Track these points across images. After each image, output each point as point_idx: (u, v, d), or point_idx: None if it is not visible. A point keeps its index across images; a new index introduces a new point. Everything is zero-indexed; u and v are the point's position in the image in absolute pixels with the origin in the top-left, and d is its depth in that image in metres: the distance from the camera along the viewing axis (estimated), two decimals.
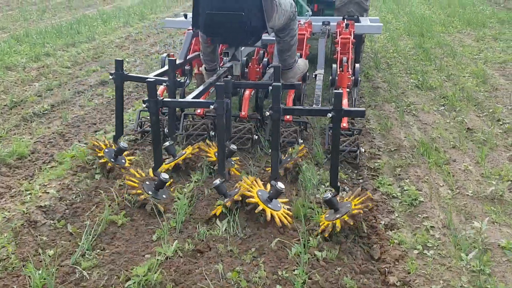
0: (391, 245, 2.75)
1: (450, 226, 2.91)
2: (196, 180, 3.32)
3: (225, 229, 2.74)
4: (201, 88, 3.41)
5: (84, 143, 4.00)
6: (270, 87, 3.42)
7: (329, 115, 2.64)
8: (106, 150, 3.42)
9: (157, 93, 2.93)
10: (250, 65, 4.47)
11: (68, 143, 4.07)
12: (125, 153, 3.52)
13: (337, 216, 2.67)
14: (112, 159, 3.37)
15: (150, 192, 2.96)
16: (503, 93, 5.46)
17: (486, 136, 4.22)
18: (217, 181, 2.80)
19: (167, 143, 3.29)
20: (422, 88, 5.76)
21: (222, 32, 3.44)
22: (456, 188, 3.38)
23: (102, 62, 6.83)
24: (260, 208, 2.71)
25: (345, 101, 3.88)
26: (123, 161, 3.45)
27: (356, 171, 3.70)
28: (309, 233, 2.76)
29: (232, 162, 3.46)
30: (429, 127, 4.55)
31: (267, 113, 2.76)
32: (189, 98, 3.18)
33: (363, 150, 3.85)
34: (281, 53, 3.93)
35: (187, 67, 4.36)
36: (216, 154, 3.26)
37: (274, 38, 4.10)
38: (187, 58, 4.42)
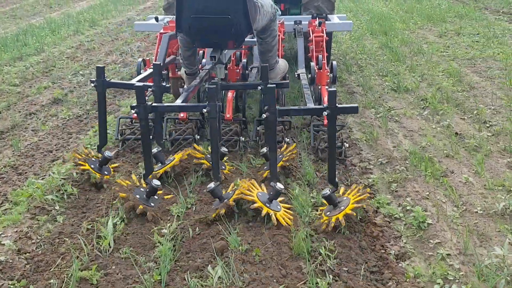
0: (407, 279, 2.45)
1: (467, 252, 2.64)
2: (179, 214, 2.92)
3: (219, 278, 2.36)
4: (186, 92, 3.38)
5: (41, 178, 3.51)
6: (259, 87, 3.48)
7: (325, 113, 2.67)
8: (93, 159, 3.37)
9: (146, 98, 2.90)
10: (229, 66, 4.42)
11: (23, 177, 3.56)
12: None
13: (338, 211, 2.76)
14: (96, 170, 3.31)
15: (141, 201, 2.90)
16: (481, 92, 5.31)
17: (477, 142, 4.01)
18: (212, 185, 2.75)
19: (155, 150, 3.21)
20: (399, 91, 5.54)
21: (207, 36, 3.40)
22: (462, 205, 3.13)
23: (54, 77, 6.24)
24: (264, 212, 2.71)
25: (326, 98, 3.77)
26: (105, 172, 3.36)
27: (343, 167, 3.72)
28: (317, 273, 2.42)
29: (223, 166, 3.43)
30: (416, 134, 4.30)
31: (264, 115, 2.71)
32: (178, 102, 3.14)
33: (347, 145, 3.91)
34: (262, 54, 3.91)
35: (164, 72, 4.28)
36: (206, 156, 3.36)
37: (253, 40, 4.16)
38: (165, 62, 4.29)
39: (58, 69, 6.63)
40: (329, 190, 2.79)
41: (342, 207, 2.78)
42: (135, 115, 3.86)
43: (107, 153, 3.32)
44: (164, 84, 3.50)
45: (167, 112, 4.09)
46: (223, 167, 3.43)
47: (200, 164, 3.46)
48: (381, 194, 3.32)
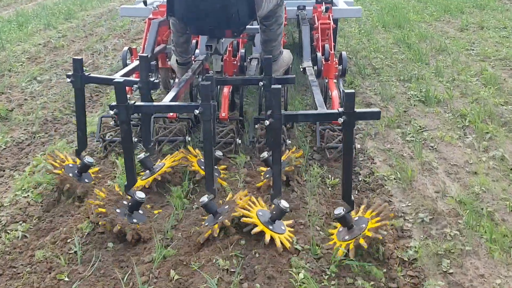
0: None
1: None
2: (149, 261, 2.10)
3: None
4: (176, 87, 3.00)
5: None
6: (261, 83, 3.17)
7: (341, 120, 2.25)
8: (70, 165, 3.03)
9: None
10: (225, 57, 3.96)
11: None
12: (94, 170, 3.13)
13: (351, 235, 2.37)
14: (75, 177, 2.96)
15: (123, 216, 2.54)
16: None
17: None
18: (205, 198, 2.44)
19: (142, 155, 2.92)
20: (428, 103, 4.46)
21: (204, 22, 3.14)
22: None
23: (4, 84, 5.05)
24: (268, 237, 2.33)
25: (334, 93, 3.60)
26: (86, 180, 3.02)
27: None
28: None
29: (217, 171, 3.05)
30: (463, 171, 3.23)
31: (267, 122, 2.30)
32: (166, 100, 2.75)
33: (358, 146, 3.52)
34: (266, 43, 3.53)
35: (153, 63, 3.72)
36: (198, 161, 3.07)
37: (254, 27, 3.80)
38: (155, 51, 3.83)
39: (14, 74, 5.52)
40: (343, 210, 2.38)
41: (357, 231, 2.38)
42: (170, 113, 3.53)
43: (88, 159, 2.98)
44: (153, 79, 2.99)
45: (176, 112, 3.57)
46: (217, 174, 3.05)
47: (194, 171, 3.06)
48: (428, 278, 2.26)
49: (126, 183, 2.54)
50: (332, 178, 3.17)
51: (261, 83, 3.18)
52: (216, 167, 3.01)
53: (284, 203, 2.37)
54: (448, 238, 2.55)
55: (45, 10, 9.55)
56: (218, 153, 3.06)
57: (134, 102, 2.49)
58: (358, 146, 3.55)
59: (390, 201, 2.93)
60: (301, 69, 3.71)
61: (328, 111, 2.46)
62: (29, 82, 5.18)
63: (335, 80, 3.84)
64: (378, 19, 8.40)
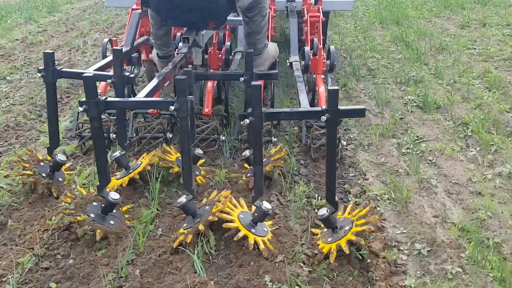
0: None
1: None
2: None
3: None
4: (154, 82, 2.89)
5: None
6: (242, 78, 3.03)
7: (323, 118, 2.16)
8: (42, 164, 2.89)
9: (98, 91, 2.45)
10: (210, 50, 3.84)
11: None
12: (65, 167, 2.96)
13: (337, 236, 2.26)
14: (46, 176, 2.83)
15: (94, 218, 2.42)
16: None
17: None
18: (183, 199, 2.34)
19: (117, 153, 2.79)
20: (427, 109, 4.10)
21: (180, 13, 3.05)
22: None
23: None
24: (251, 240, 2.22)
25: (322, 89, 3.43)
26: (60, 179, 2.90)
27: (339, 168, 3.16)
28: None
29: (197, 169, 2.94)
30: (466, 192, 2.88)
31: (246, 121, 2.19)
32: (140, 96, 2.66)
33: (344, 143, 3.38)
34: (249, 36, 3.38)
35: (134, 55, 3.50)
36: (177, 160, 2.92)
37: (238, 19, 3.66)
38: (135, 44, 3.58)
39: None
40: (327, 211, 2.28)
41: (342, 233, 2.27)
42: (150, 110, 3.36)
43: (60, 157, 2.84)
44: (128, 73, 2.87)
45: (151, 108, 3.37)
46: (197, 173, 2.93)
47: (168, 168, 2.91)
48: None
49: (98, 183, 2.41)
50: (319, 198, 2.81)
51: (242, 79, 3.03)
52: (196, 165, 2.95)
53: (266, 205, 2.28)
54: (449, 276, 2.20)
55: (28, 2, 9.14)
56: (198, 151, 2.91)
57: (106, 98, 2.35)
58: (344, 143, 3.38)
59: (383, 226, 2.57)
60: (288, 64, 3.62)
61: (311, 109, 2.39)
62: None
63: (323, 76, 3.70)
64: (375, 15, 8.02)
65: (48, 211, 2.64)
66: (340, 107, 2.15)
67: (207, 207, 2.41)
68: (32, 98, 4.38)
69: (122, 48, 2.96)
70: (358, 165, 3.25)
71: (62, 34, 6.94)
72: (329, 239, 2.29)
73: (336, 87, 2.19)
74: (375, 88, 4.70)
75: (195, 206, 2.40)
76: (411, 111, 4.09)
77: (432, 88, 4.56)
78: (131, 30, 3.58)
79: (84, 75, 2.35)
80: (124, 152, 2.81)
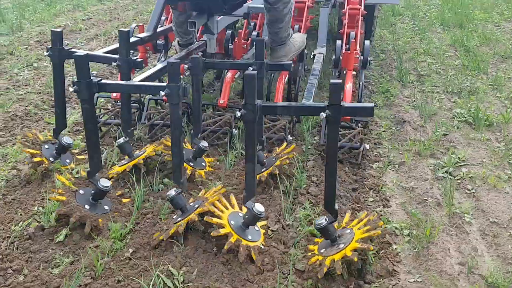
0: None
1: None
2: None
3: None
4: (157, 67, 2.85)
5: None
6: (251, 68, 2.76)
7: (323, 114, 1.92)
8: (46, 146, 2.85)
9: (91, 73, 2.29)
10: (236, 40, 3.72)
11: None
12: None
13: (335, 249, 2.00)
14: (51, 158, 2.80)
15: (86, 206, 2.32)
16: None
17: None
18: (172, 192, 2.18)
19: (121, 140, 2.72)
20: (477, 126, 3.53)
21: None
22: None
23: None
24: (244, 250, 2.01)
25: (348, 86, 3.26)
26: (67, 161, 2.87)
27: (356, 175, 2.89)
28: None
29: (203, 164, 2.85)
30: (504, 234, 2.34)
31: (238, 113, 2.01)
32: (136, 80, 2.55)
33: (367, 147, 3.12)
34: (271, 24, 3.14)
35: (160, 42, 3.62)
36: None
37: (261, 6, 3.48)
38: (158, 30, 3.48)
39: (14, 58, 5.07)
40: (325, 220, 2.07)
41: (342, 245, 2.03)
42: (114, 94, 3.38)
43: (66, 139, 2.78)
44: (134, 57, 2.74)
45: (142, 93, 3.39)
46: (203, 164, 2.83)
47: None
48: None
49: (88, 169, 2.34)
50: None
51: (251, 68, 2.74)
52: (202, 158, 2.83)
53: (258, 207, 2.09)
54: None
55: None
56: (203, 143, 2.76)
57: (100, 80, 2.26)
58: (367, 147, 3.11)
59: (395, 270, 2.11)
60: (311, 56, 3.38)
61: (311, 104, 2.12)
62: (23, 68, 4.70)
63: (354, 72, 3.47)
64: (437, 16, 7.34)
65: (21, 215, 2.40)
66: (344, 103, 1.91)
67: (196, 206, 2.25)
68: (51, 87, 4.21)
69: (128, 31, 2.81)
70: (381, 188, 2.78)
71: (104, 23, 6.84)
72: (329, 251, 2.03)
73: (339, 80, 1.93)
74: (421, 96, 4.16)
75: (185, 200, 2.25)
76: (458, 127, 3.53)
77: (487, 101, 3.96)
78: (154, 16, 3.44)
79: (75, 54, 2.24)
80: (127, 139, 2.73)
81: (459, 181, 2.84)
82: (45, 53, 2.72)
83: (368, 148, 3.12)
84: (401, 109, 3.94)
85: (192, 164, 2.73)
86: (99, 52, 2.94)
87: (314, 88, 2.65)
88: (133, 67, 2.78)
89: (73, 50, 2.74)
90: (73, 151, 2.99)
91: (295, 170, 2.79)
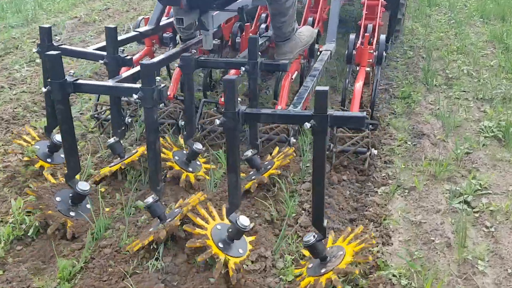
0: None
1: None
2: None
3: None
4: (138, 67, 2.60)
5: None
6: (243, 68, 2.58)
7: (307, 125, 1.76)
8: (37, 147, 2.79)
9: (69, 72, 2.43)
10: (244, 34, 3.58)
11: None
12: None
13: (324, 269, 1.91)
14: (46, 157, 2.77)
15: (61, 209, 2.28)
16: None
17: None
18: (150, 199, 2.10)
19: (112, 140, 2.63)
20: (506, 143, 3.07)
21: None
22: None
23: None
24: (222, 261, 1.90)
25: (358, 85, 3.11)
26: (61, 156, 2.73)
27: (357, 202, 2.55)
28: None
29: (197, 165, 2.75)
30: None
31: (217, 121, 1.91)
32: (111, 81, 2.38)
33: (375, 152, 2.85)
34: (273, 18, 2.99)
35: (166, 34, 3.48)
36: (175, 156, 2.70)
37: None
38: (163, 23, 3.44)
39: (19, 52, 4.91)
40: (313, 237, 1.91)
41: (329, 265, 1.90)
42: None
43: (58, 137, 2.69)
44: (123, 55, 2.64)
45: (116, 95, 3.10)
46: (199, 167, 2.75)
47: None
48: None
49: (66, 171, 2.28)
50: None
51: (243, 68, 2.58)
52: (197, 161, 2.76)
53: (243, 221, 1.96)
54: None
55: None
56: (197, 146, 2.67)
57: (76, 80, 2.16)
58: (375, 152, 2.84)
59: None
60: (318, 52, 3.21)
61: (296, 112, 1.93)
62: (23, 64, 4.52)
63: (367, 68, 3.29)
64: (477, 7, 6.73)
65: None
66: (331, 112, 1.76)
67: (177, 210, 2.18)
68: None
69: (116, 27, 2.67)
70: (384, 220, 2.40)
71: (120, 14, 6.61)
72: (318, 271, 1.92)
73: (326, 88, 1.73)
74: (446, 103, 3.71)
75: (163, 208, 2.16)
76: (484, 144, 3.08)
77: None
78: (157, 9, 3.39)
79: (47, 53, 2.13)
80: (118, 139, 2.65)
81: (477, 214, 2.42)
82: (34, 50, 2.67)
83: (376, 153, 2.85)
84: (421, 119, 3.51)
85: (184, 167, 2.65)
86: (88, 49, 2.86)
87: (307, 92, 2.47)
88: (122, 65, 2.69)
89: (63, 46, 2.73)
90: None
91: (285, 194, 2.46)
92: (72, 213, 2.30)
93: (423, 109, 3.67)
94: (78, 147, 2.84)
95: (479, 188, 2.61)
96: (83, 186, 2.30)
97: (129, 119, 3.14)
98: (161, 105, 3.23)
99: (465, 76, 4.25)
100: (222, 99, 3.04)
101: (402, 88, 4.00)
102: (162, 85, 2.02)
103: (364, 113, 1.79)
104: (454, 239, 2.24)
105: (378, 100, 3.84)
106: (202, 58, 2.80)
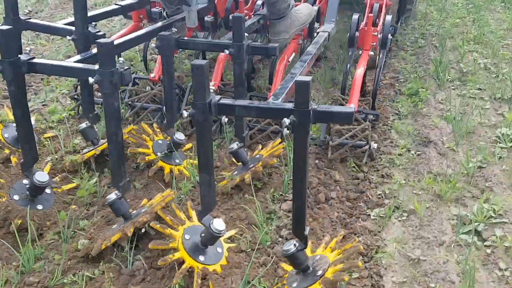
0: None
1: None
2: None
3: None
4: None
5: None
6: (227, 51, 2.32)
7: (286, 121, 1.54)
8: (6, 135, 2.58)
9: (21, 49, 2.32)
10: (237, 11, 3.41)
11: None
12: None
13: (305, 282, 1.73)
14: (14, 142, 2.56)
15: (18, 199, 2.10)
16: None
17: None
18: (112, 196, 1.94)
19: (83, 125, 2.48)
20: None
21: None
22: None
23: None
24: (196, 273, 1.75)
25: (360, 71, 2.85)
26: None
27: (346, 226, 2.16)
28: None
29: (177, 161, 2.49)
30: None
31: (185, 113, 1.66)
32: (70, 60, 2.14)
33: (375, 146, 2.60)
34: None
35: (156, 9, 3.05)
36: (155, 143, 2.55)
37: None
38: None
39: None
40: (294, 246, 1.70)
41: (319, 271, 1.72)
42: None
43: (39, 176, 2.34)
44: (94, 30, 2.40)
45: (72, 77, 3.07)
46: (178, 161, 2.50)
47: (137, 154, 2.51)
48: None
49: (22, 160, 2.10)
50: None
51: (227, 51, 2.33)
52: (178, 152, 2.53)
53: (217, 225, 1.80)
54: None
55: None
56: (179, 136, 2.47)
57: (32, 58, 1.96)
58: (375, 146, 2.61)
59: None
60: (315, 33, 2.95)
61: (276, 105, 1.71)
62: None
63: (371, 52, 3.03)
64: None
65: None
66: (315, 107, 1.55)
67: (142, 209, 2.03)
68: None
69: (85, 0, 2.42)
70: (376, 253, 2.00)
71: None
72: (298, 284, 1.74)
73: (308, 78, 1.50)
74: (459, 104, 3.26)
75: (127, 206, 1.99)
76: (500, 157, 2.63)
77: None
78: None
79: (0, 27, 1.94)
80: (90, 124, 2.48)
81: (489, 250, 2.01)
82: None
83: (375, 147, 2.62)
84: (428, 121, 3.07)
85: (164, 159, 2.46)
86: (58, 23, 2.62)
87: (293, 81, 2.13)
88: (93, 42, 2.41)
89: (31, 21, 2.53)
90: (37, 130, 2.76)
91: (257, 217, 2.07)
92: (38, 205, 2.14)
93: (432, 110, 3.23)
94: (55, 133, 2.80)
95: (493, 214, 2.18)
96: (41, 177, 2.11)
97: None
98: (147, 88, 3.13)
99: (481, 71, 3.77)
100: (211, 83, 2.83)
101: (409, 84, 3.54)
102: (126, 67, 1.81)
103: (353, 108, 1.57)
104: (459, 284, 1.83)
105: (382, 97, 3.41)
106: (184, 38, 2.56)
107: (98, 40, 1.79)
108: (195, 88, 1.62)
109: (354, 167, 2.57)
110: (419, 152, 2.72)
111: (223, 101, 1.66)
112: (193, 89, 1.65)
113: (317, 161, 2.61)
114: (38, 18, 4.95)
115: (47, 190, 2.19)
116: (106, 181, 2.42)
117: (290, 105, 1.58)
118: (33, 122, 2.40)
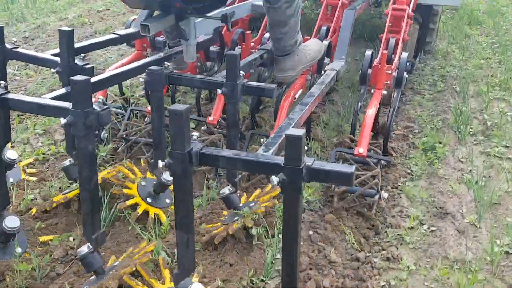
0: None
1: None
2: None
3: None
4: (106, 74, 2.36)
5: None
6: (219, 91, 2.18)
7: (274, 180, 1.39)
8: None
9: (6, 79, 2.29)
10: (244, 44, 3.22)
11: None
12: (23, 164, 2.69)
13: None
14: None
15: None
16: None
17: None
18: (84, 249, 1.82)
19: (67, 162, 2.36)
20: None
21: None
22: None
23: None
24: None
25: (371, 111, 2.63)
26: (11, 179, 2.43)
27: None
28: None
29: (167, 201, 2.36)
30: None
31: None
32: (46, 96, 1.96)
33: (385, 195, 2.35)
34: (272, 29, 2.62)
35: (161, 38, 3.00)
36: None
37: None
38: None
39: None
40: None
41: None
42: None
43: (9, 154, 2.22)
44: (82, 63, 2.24)
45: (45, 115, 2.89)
46: (167, 202, 2.35)
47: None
48: None
49: None
50: None
51: (220, 91, 2.19)
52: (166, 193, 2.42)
53: None
54: None
55: None
56: (167, 176, 2.32)
57: (6, 92, 1.83)
58: (386, 195, 2.37)
59: None
60: (323, 71, 2.85)
61: (263, 159, 1.49)
62: None
63: (384, 92, 2.82)
64: None
65: None
66: (309, 163, 1.36)
67: (118, 263, 1.93)
68: None
69: (72, 31, 2.28)
70: None
71: (114, 17, 5.92)
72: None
73: (301, 132, 1.32)
74: (482, 164, 2.83)
75: (100, 261, 1.86)
76: None
77: None
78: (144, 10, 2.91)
79: None
80: (73, 161, 2.35)
81: None
82: None
83: (386, 197, 2.38)
84: (446, 186, 2.64)
85: (150, 201, 2.30)
86: (45, 54, 2.47)
87: (290, 122, 2.10)
88: (78, 73, 2.17)
89: (17, 50, 2.41)
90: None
91: None
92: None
93: (450, 171, 2.80)
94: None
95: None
96: (11, 223, 1.98)
97: (105, 134, 2.83)
98: (146, 119, 2.98)
99: (509, 124, 3.34)
100: (211, 118, 2.76)
101: (425, 137, 3.13)
102: (105, 107, 1.68)
103: (353, 168, 1.37)
104: None
105: (393, 151, 3.00)
106: (175, 74, 2.37)
107: (72, 78, 1.64)
108: (173, 135, 1.47)
109: (353, 243, 2.16)
110: (433, 228, 2.30)
111: (206, 150, 1.49)
112: (170, 137, 1.49)
113: (311, 233, 2.21)
114: (33, 45, 4.73)
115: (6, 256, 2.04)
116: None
117: (280, 160, 1.39)
118: (14, 155, 2.29)
